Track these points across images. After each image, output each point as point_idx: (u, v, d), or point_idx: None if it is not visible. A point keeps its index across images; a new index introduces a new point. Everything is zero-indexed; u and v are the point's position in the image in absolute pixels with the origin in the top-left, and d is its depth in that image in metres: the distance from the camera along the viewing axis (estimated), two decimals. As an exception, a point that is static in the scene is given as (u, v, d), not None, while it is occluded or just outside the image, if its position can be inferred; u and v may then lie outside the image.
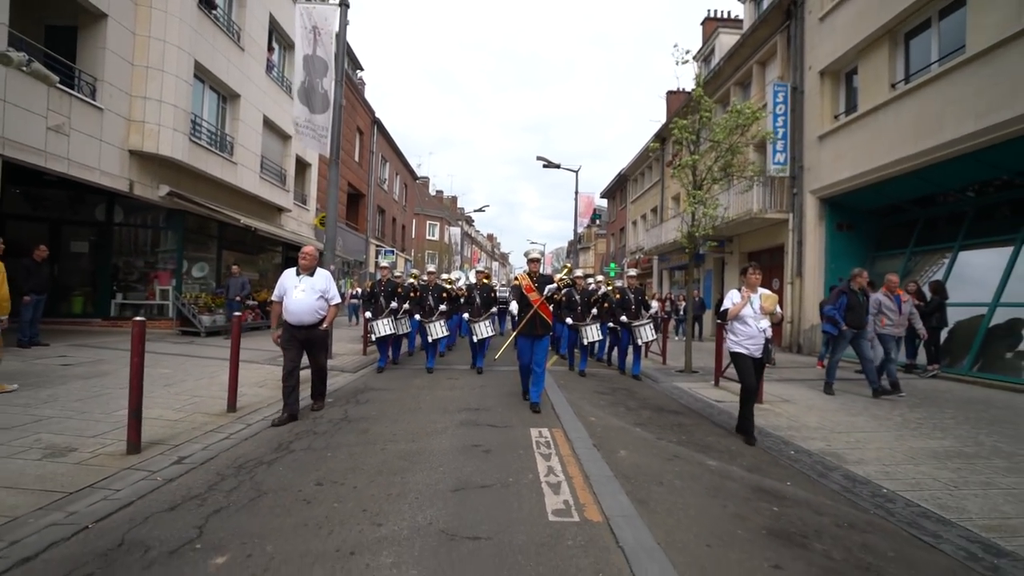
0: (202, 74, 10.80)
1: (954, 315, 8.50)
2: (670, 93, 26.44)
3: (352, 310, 17.82)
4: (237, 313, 5.88)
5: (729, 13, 21.04)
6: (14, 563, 2.18)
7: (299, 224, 16.71)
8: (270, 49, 13.88)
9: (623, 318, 7.99)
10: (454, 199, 56.87)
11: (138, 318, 3.70)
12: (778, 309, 4.68)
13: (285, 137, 14.97)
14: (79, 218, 10.81)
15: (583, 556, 2.38)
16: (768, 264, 13.71)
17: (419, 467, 3.53)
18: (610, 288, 8.79)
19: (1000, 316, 8.02)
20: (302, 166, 17.09)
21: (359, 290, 16.36)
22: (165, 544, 2.39)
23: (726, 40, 18.30)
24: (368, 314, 8.14)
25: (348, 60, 22.26)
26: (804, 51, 12.06)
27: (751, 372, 4.50)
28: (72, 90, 8.21)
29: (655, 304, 10.50)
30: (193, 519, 2.65)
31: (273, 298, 4.87)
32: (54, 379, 5.70)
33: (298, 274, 4.77)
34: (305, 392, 5.17)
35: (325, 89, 8.64)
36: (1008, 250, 8.29)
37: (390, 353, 8.24)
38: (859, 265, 11.25)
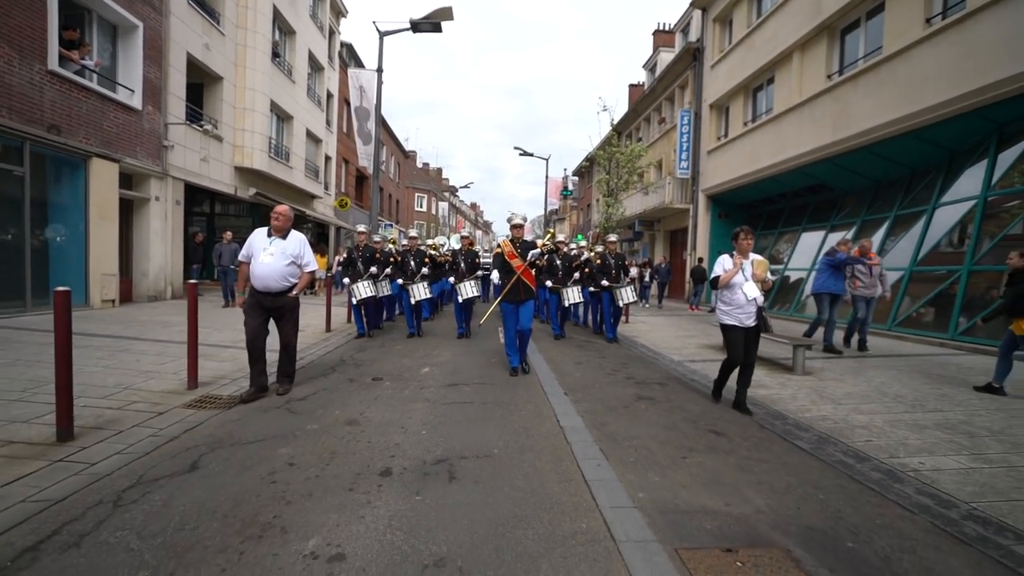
0: (273, 107, 15.12)
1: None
2: (632, 86, 31.00)
3: (339, 279, 22.24)
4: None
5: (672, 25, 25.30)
6: (307, 363, 7.10)
7: (325, 207, 21.19)
8: (309, 75, 18.03)
9: (604, 282, 8.25)
10: (439, 171, 60.82)
11: (327, 274, 8.52)
12: (769, 276, 4.34)
13: (318, 141, 19.32)
14: (194, 210, 15.26)
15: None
16: (681, 240, 18.88)
17: (443, 349, 8.41)
18: (592, 254, 9.11)
19: (794, 276, 13.30)
20: (325, 159, 21.41)
21: (342, 256, 18.63)
22: (358, 366, 7.34)
23: (665, 57, 22.80)
24: (347, 280, 8.06)
25: (352, 61, 26.24)
26: (703, 87, 16.81)
27: (739, 345, 4.24)
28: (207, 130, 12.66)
29: (634, 270, 14.39)
30: (365, 357, 7.60)
31: (240, 258, 4.42)
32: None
33: (269, 235, 4.33)
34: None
35: (369, 129, 13.21)
36: (816, 235, 13.52)
37: (366, 321, 8.30)
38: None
